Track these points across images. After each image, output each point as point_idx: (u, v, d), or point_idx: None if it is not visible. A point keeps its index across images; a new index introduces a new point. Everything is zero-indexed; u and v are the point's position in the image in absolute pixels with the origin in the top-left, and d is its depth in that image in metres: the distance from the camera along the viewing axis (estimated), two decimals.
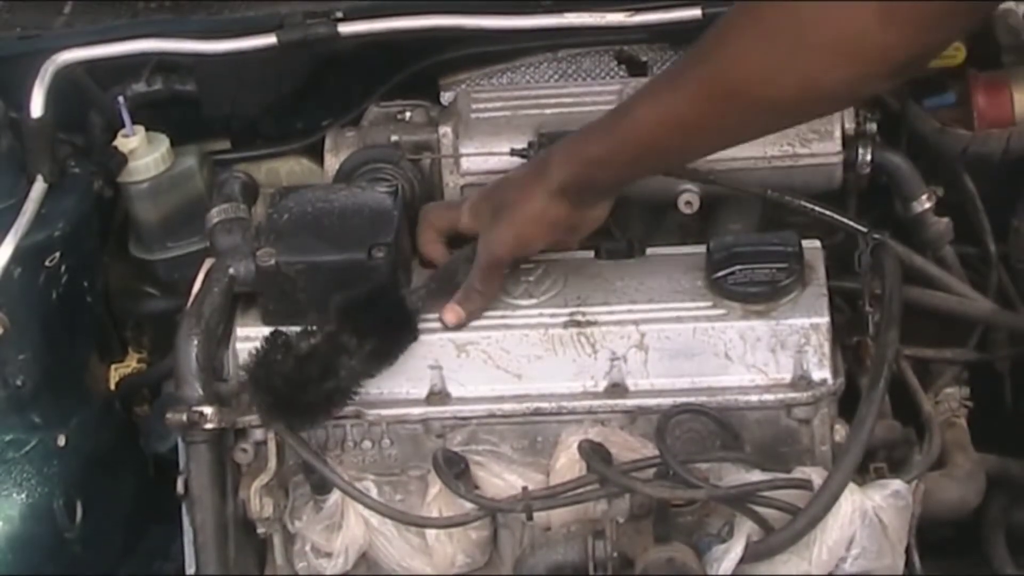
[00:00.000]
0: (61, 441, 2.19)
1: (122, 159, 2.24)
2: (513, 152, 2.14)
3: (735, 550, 1.87)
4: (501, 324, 2.00)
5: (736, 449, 1.93)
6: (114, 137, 2.27)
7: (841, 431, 1.95)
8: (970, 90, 2.24)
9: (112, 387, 2.34)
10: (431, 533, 1.99)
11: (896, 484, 1.91)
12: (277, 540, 2.07)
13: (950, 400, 2.15)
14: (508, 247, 1.97)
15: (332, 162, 2.25)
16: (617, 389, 1.97)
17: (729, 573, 1.86)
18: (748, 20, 1.70)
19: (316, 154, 2.30)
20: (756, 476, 1.89)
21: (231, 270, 2.03)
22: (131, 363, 2.37)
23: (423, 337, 1.99)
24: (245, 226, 2.12)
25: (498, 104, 2.23)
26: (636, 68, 2.33)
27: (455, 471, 1.95)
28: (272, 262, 1.98)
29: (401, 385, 2.00)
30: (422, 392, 2.00)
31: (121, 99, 2.26)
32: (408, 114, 2.29)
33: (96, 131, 2.31)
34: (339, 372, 1.92)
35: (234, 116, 2.37)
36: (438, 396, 1.99)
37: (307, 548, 2.04)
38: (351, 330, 1.92)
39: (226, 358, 2.03)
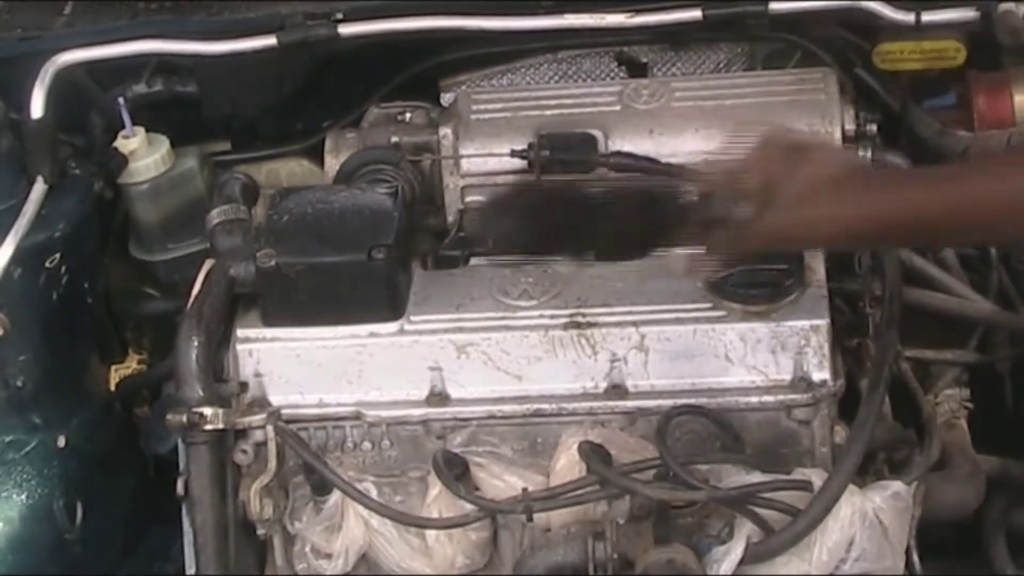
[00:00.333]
0: (61, 442, 2.19)
1: (122, 160, 2.24)
2: (513, 153, 2.14)
3: (735, 551, 1.87)
4: (501, 325, 2.00)
5: (736, 450, 1.93)
6: (114, 138, 2.27)
7: (841, 432, 1.95)
8: (970, 91, 2.24)
9: (112, 388, 2.34)
10: (431, 534, 1.99)
11: (896, 485, 1.92)
12: (277, 541, 2.07)
13: (950, 401, 2.15)
14: (791, 232, 1.83)
15: (332, 163, 2.25)
16: (617, 390, 1.97)
17: (729, 574, 1.86)
18: None
19: (316, 155, 2.31)
20: (756, 478, 1.89)
21: (231, 271, 2.03)
22: (131, 364, 2.37)
23: (422, 338, 1.99)
24: (245, 227, 2.12)
25: (498, 105, 2.23)
26: (636, 69, 2.33)
27: (455, 472, 1.95)
28: (272, 263, 1.98)
29: (401, 386, 2.00)
30: (422, 393, 2.00)
31: (121, 100, 2.26)
32: (408, 115, 2.29)
33: (96, 132, 2.32)
34: None
35: (234, 117, 2.37)
36: (438, 397, 2.00)
37: (307, 549, 2.05)
38: None
39: (226, 359, 2.03)
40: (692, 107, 2.18)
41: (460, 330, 2.00)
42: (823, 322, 1.96)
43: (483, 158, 2.18)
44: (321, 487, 2.01)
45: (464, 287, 2.06)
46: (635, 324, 1.97)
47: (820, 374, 1.96)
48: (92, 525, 2.21)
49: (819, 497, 1.86)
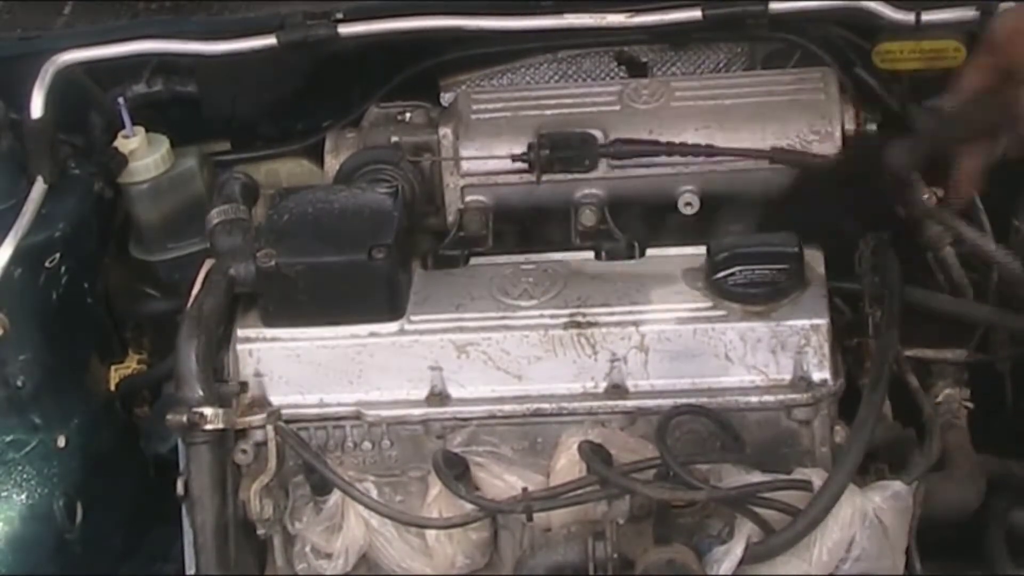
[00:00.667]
0: (61, 442, 2.19)
1: (122, 160, 2.24)
2: (513, 158, 2.14)
3: (735, 551, 1.87)
4: (501, 325, 2.00)
5: (736, 450, 1.93)
6: (114, 138, 2.27)
7: (841, 432, 1.95)
8: None
9: (112, 388, 2.34)
10: (431, 534, 1.99)
11: (896, 485, 1.92)
12: (277, 541, 2.07)
13: (951, 401, 2.15)
14: None
15: (332, 163, 2.25)
16: (617, 390, 1.97)
17: (729, 574, 1.86)
18: None
19: (316, 155, 2.31)
20: (756, 477, 1.89)
21: (231, 271, 2.03)
22: (131, 364, 2.37)
23: (423, 338, 1.99)
24: (245, 227, 2.12)
25: (498, 105, 2.23)
26: (636, 69, 2.33)
27: (455, 472, 1.95)
28: (272, 263, 1.98)
29: (401, 386, 2.00)
30: (422, 393, 2.00)
31: (121, 100, 2.26)
32: (408, 115, 2.29)
33: (96, 132, 2.31)
34: None
35: (234, 117, 2.37)
36: (438, 397, 2.00)
37: (307, 549, 2.05)
38: None
39: (226, 359, 2.03)
40: (692, 107, 2.18)
41: (460, 330, 2.00)
42: (823, 322, 1.96)
43: (483, 158, 2.18)
44: (321, 487, 2.01)
45: (464, 287, 2.06)
46: (635, 324, 1.98)
47: (820, 374, 1.96)
48: (92, 525, 2.21)
49: (819, 497, 1.86)
